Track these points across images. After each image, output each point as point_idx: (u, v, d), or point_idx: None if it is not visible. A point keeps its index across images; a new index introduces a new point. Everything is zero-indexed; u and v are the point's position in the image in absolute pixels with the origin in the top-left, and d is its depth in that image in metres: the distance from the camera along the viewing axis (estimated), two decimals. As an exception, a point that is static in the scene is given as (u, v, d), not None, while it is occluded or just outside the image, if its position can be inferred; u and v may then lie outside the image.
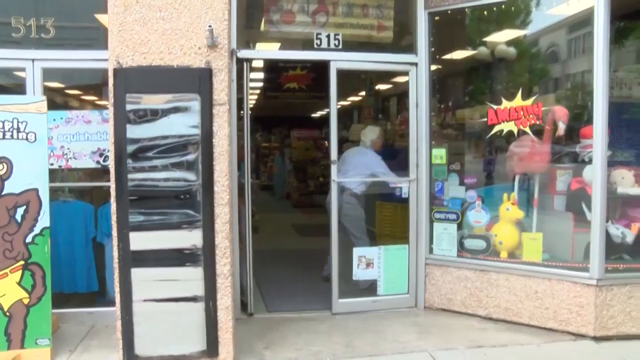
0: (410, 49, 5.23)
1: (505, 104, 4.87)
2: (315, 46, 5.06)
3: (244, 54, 4.80)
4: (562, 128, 4.71)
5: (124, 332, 3.97)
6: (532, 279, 4.72)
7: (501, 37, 5.15)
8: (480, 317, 5.01)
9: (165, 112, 3.89)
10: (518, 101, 4.82)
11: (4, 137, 4.04)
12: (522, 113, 4.80)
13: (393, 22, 5.28)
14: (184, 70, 3.93)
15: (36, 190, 4.06)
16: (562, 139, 4.82)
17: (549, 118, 4.78)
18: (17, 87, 4.95)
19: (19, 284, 4.05)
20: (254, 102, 10.91)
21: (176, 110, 3.89)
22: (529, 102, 4.77)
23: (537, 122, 4.76)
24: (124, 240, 3.90)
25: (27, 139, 4.07)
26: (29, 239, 4.06)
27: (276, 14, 5.09)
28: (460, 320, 5.02)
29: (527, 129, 4.79)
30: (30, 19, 4.81)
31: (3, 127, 4.04)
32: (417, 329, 4.81)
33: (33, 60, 4.75)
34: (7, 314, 4.04)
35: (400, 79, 5.67)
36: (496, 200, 5.07)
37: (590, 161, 4.47)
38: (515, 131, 4.86)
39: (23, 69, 4.77)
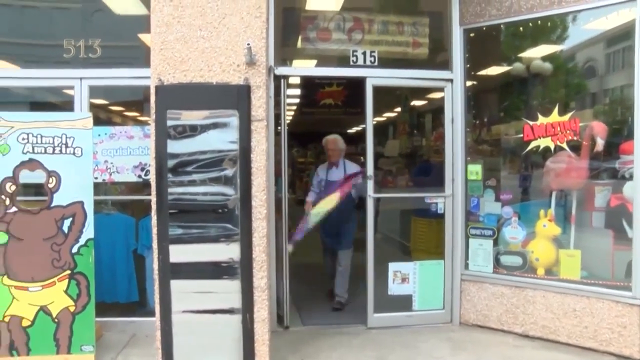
0: (446, 65, 5.19)
1: (542, 119, 4.77)
2: (351, 63, 5.07)
3: (281, 71, 4.84)
4: (600, 144, 4.58)
5: (163, 342, 4.01)
6: (570, 297, 4.57)
7: (537, 53, 5.06)
8: (516, 335, 4.87)
9: (204, 128, 3.94)
10: (555, 117, 4.71)
11: (53, 152, 4.16)
12: (559, 129, 4.69)
13: (428, 38, 5.26)
14: (223, 87, 3.98)
15: (82, 202, 4.16)
16: (600, 154, 4.68)
17: (587, 134, 4.65)
18: (65, 104, 5.10)
19: (66, 292, 4.14)
20: (290, 118, 10.98)
21: (215, 126, 3.94)
22: (566, 117, 4.66)
23: (575, 138, 4.64)
24: (163, 253, 3.95)
25: (74, 153, 4.18)
26: (74, 250, 4.15)
27: (313, 32, 5.13)
28: (496, 336, 4.89)
29: (564, 145, 4.68)
30: (80, 41, 4.97)
31: (53, 143, 4.16)
32: (451, 344, 4.72)
33: (81, 78, 4.89)
34: (56, 320, 4.13)
35: (435, 95, 5.62)
36: (532, 216, 4.95)
37: (631, 177, 4.32)
38: (552, 147, 4.75)
39: (72, 87, 4.92)
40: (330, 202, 5.23)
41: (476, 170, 5.14)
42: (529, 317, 4.81)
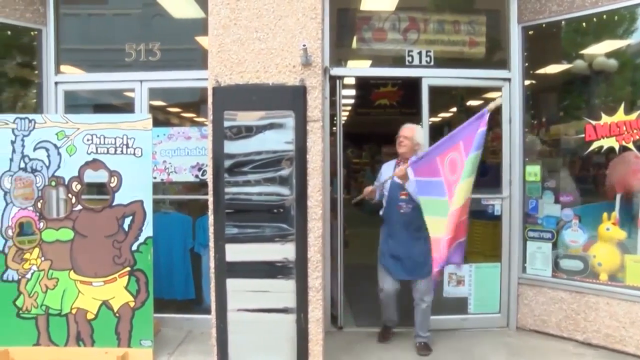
0: (503, 64, 5.00)
1: (606, 119, 4.52)
2: (406, 63, 4.95)
3: (336, 71, 4.77)
4: (671, 143, 4.31)
5: (219, 340, 4.02)
6: (638, 305, 4.30)
7: (600, 49, 4.79)
8: (577, 342, 4.63)
9: (260, 129, 3.92)
10: (620, 116, 4.45)
11: (115, 152, 4.24)
12: (624, 128, 4.43)
13: (485, 37, 5.06)
14: (279, 87, 3.95)
15: (141, 201, 4.22)
16: (671, 154, 4.41)
17: (657, 133, 4.38)
18: (126, 106, 5.20)
19: (126, 288, 4.21)
20: (345, 118, 10.89)
21: (271, 126, 3.91)
22: (633, 116, 4.38)
23: (643, 138, 4.39)
24: (220, 252, 3.95)
25: (134, 154, 4.24)
26: (134, 247, 4.21)
27: (368, 32, 5.04)
28: (555, 343, 4.67)
29: (631, 145, 4.42)
30: (141, 45, 5.06)
31: (115, 143, 4.24)
32: (507, 350, 4.53)
33: (141, 81, 4.98)
34: (117, 314, 4.21)
35: (492, 95, 5.42)
36: (595, 219, 4.69)
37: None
38: (617, 147, 4.49)
39: (133, 90, 5.01)
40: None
41: (535, 171, 4.93)
42: (591, 324, 4.56)
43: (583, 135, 4.67)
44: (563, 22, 4.86)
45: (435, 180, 3.96)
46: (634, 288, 4.38)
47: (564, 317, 4.74)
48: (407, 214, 4.37)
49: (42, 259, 4.24)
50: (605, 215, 4.60)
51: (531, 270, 4.96)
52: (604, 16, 4.58)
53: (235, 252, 3.94)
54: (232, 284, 3.97)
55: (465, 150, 3.74)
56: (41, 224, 4.25)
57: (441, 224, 3.83)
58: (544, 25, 4.90)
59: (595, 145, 4.60)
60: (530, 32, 4.98)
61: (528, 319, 4.96)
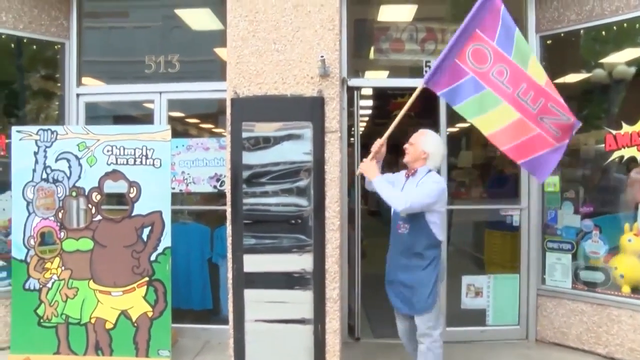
0: (522, 73, 4.93)
1: (627, 128, 4.42)
2: (424, 73, 4.87)
3: (354, 82, 4.72)
4: (694, 153, 4.20)
5: (236, 350, 3.98)
6: (662, 318, 4.19)
7: (620, 57, 4.69)
8: (598, 356, 4.49)
9: (278, 140, 3.89)
10: (641, 125, 4.37)
11: (134, 163, 4.24)
12: (646, 138, 4.34)
13: (503, 47, 5.01)
14: (297, 99, 3.92)
15: (160, 212, 4.20)
16: (694, 164, 4.30)
17: (679, 143, 4.27)
18: (145, 117, 5.21)
19: (144, 298, 4.20)
20: (363, 129, 10.86)
21: (289, 137, 3.88)
22: (655, 126, 4.31)
23: (665, 148, 4.28)
24: (238, 262, 3.92)
25: (153, 164, 4.24)
26: (153, 257, 4.20)
27: (385, 43, 5.00)
28: (575, 356, 4.54)
29: (653, 155, 4.33)
30: (160, 57, 5.07)
31: (134, 154, 4.24)
32: (527, 362, 4.44)
33: (161, 92, 4.99)
34: (135, 324, 4.20)
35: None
36: (616, 230, 4.57)
37: None
38: (638, 157, 4.39)
39: (152, 101, 5.02)
40: None
41: (554, 181, 4.84)
42: (613, 337, 4.43)
43: (603, 145, 4.57)
44: (582, 31, 4.78)
45: (463, 82, 3.50)
46: (657, 301, 4.26)
47: (584, 329, 4.62)
48: (404, 235, 3.55)
49: (63, 268, 4.24)
50: (627, 226, 4.48)
51: (550, 281, 4.85)
52: (625, 24, 4.49)
53: (253, 263, 3.91)
54: (249, 294, 3.93)
55: (489, 35, 3.45)
56: (62, 234, 4.27)
57: (496, 116, 3.46)
58: (562, 35, 4.82)
59: (616, 155, 4.50)
60: (548, 42, 4.91)
61: (547, 331, 4.85)
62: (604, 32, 4.66)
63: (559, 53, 4.93)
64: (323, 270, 3.88)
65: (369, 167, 3.58)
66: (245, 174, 3.90)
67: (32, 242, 4.25)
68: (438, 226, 3.51)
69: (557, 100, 3.42)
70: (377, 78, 5.33)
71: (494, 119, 3.46)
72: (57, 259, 4.25)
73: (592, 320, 4.57)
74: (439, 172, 3.81)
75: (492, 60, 3.43)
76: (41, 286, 4.24)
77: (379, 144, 3.70)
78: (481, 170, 6.50)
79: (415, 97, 3.58)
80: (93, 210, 4.25)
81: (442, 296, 4.78)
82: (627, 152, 4.44)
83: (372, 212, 14.86)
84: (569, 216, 4.82)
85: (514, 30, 3.46)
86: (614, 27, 4.55)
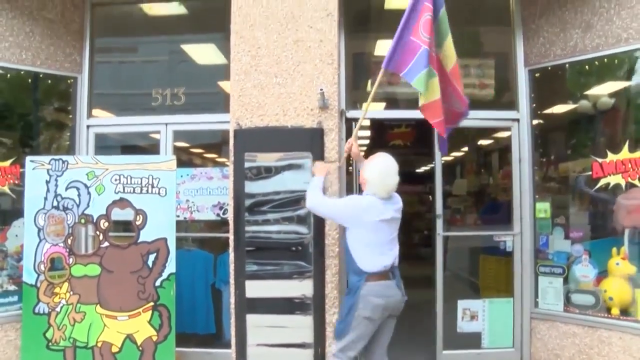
0: (512, 105, 5.06)
1: (611, 156, 4.53)
2: (419, 105, 5.03)
3: (352, 114, 4.77)
4: (675, 181, 4.31)
5: (239, 374, 4.03)
6: (651, 340, 4.24)
7: (604, 90, 4.83)
8: (591, 377, 4.56)
9: (279, 169, 4.00)
10: (625, 153, 4.46)
11: (141, 192, 4.33)
12: (630, 165, 4.44)
13: (494, 80, 5.15)
14: (297, 130, 4.05)
15: (165, 239, 4.27)
16: (676, 191, 4.40)
17: (661, 170, 4.39)
18: (152, 147, 5.30)
19: (149, 322, 4.23)
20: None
21: (290, 167, 3.99)
22: (637, 154, 4.41)
23: (648, 175, 4.39)
24: (240, 288, 3.99)
25: (159, 193, 4.32)
26: (158, 283, 4.25)
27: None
28: (569, 378, 4.60)
29: (637, 182, 4.42)
30: (167, 90, 5.20)
31: (141, 183, 4.34)
32: (522, 384, 4.47)
33: (167, 124, 5.10)
34: (140, 348, 4.22)
35: (502, 134, 5.48)
36: (604, 254, 4.63)
37: None
38: (623, 184, 4.49)
39: (158, 132, 5.13)
40: None
41: (545, 208, 4.93)
42: (604, 358, 4.45)
43: (590, 173, 4.69)
44: (567, 65, 4.92)
45: (418, 56, 3.38)
46: (646, 323, 4.31)
47: (577, 351, 4.65)
48: None
49: (71, 293, 4.30)
50: (614, 250, 4.56)
51: (543, 304, 4.90)
52: (605, 60, 4.65)
53: (255, 289, 3.98)
54: (251, 319, 3.99)
55: (432, 4, 3.37)
56: (71, 260, 4.33)
57: (433, 87, 3.44)
58: (549, 68, 4.97)
59: (602, 182, 4.59)
60: (536, 75, 5.05)
61: (541, 354, 4.87)
62: (587, 66, 4.82)
63: (547, 85, 5.07)
64: (323, 295, 3.95)
65: (320, 167, 3.84)
66: (248, 202, 4.00)
67: (42, 267, 4.32)
68: (359, 253, 3.43)
69: (456, 88, 3.47)
70: (374, 110, 5.44)
71: (430, 91, 3.44)
72: (66, 284, 4.31)
73: (584, 342, 4.61)
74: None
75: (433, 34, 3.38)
76: (50, 310, 4.29)
77: (348, 146, 3.83)
78: (475, 197, 6.61)
79: (378, 82, 3.64)
80: (101, 237, 4.33)
81: (439, 320, 4.86)
82: (612, 180, 4.54)
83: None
84: (559, 241, 4.89)
85: (441, 8, 3.41)
86: (596, 62, 4.71)
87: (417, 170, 13.73)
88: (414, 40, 3.37)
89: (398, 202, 3.61)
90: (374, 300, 3.37)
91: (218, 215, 4.98)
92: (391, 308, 3.48)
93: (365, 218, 3.39)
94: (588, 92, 4.99)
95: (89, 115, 5.28)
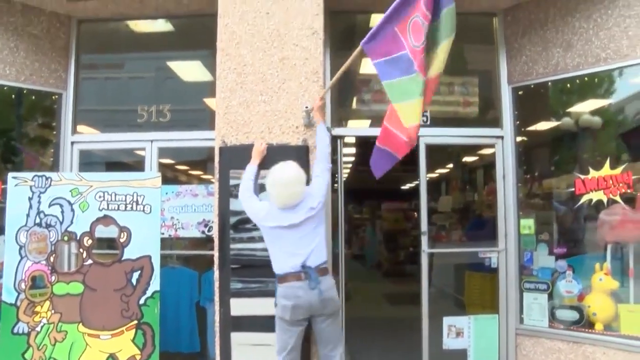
0: (496, 122, 5.14)
1: (593, 173, 4.60)
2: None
3: (337, 131, 4.85)
4: (655, 196, 4.39)
5: (223, 393, 3.98)
6: (634, 355, 4.23)
7: (585, 107, 4.93)
8: (576, 393, 4.57)
9: (264, 187, 4.00)
10: (606, 170, 4.54)
11: (125, 209, 4.30)
12: (611, 182, 4.52)
13: (478, 97, 5.25)
14: (282, 147, 4.05)
15: (149, 256, 4.23)
16: (656, 206, 4.47)
17: (641, 186, 4.47)
18: (137, 164, 5.30)
19: (133, 341, 4.16)
20: (346, 175, 11.02)
21: (275, 185, 3.99)
22: (618, 170, 4.48)
23: (628, 191, 4.44)
24: (225, 306, 3.96)
25: (143, 210, 4.29)
26: (142, 301, 4.19)
27: (367, 94, 5.20)
28: (554, 394, 4.60)
29: (618, 198, 4.50)
30: (152, 106, 5.21)
31: (125, 200, 4.31)
32: (508, 401, 4.47)
33: (152, 141, 5.10)
34: (123, 367, 4.18)
35: (486, 151, 5.56)
36: (588, 270, 4.68)
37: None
38: (605, 200, 4.56)
39: (143, 149, 5.12)
40: None
41: (529, 224, 4.98)
42: (589, 374, 4.51)
43: (573, 189, 4.75)
44: (549, 83, 5.02)
45: (398, 56, 2.99)
46: (629, 337, 4.33)
47: (562, 367, 4.69)
48: None
49: (52, 311, 4.23)
50: (597, 265, 4.60)
51: (528, 321, 4.92)
52: (586, 78, 4.76)
53: (240, 307, 3.96)
54: (236, 337, 3.96)
55: (427, 6, 2.80)
56: (53, 278, 4.27)
57: (414, 107, 2.94)
58: (532, 86, 5.06)
59: (585, 198, 4.66)
60: (520, 92, 5.14)
61: (527, 370, 4.90)
62: (569, 85, 4.92)
63: (530, 103, 5.16)
64: (308, 312, 3.92)
65: (254, 151, 4.00)
66: (233, 220, 3.99)
67: (23, 285, 4.25)
68: (271, 257, 3.65)
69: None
70: (359, 127, 5.50)
71: (416, 110, 2.95)
72: (47, 303, 4.24)
73: (568, 357, 4.63)
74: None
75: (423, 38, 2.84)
76: (30, 330, 4.21)
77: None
78: (460, 214, 6.69)
79: (353, 58, 3.56)
80: (84, 255, 4.28)
81: (424, 337, 4.85)
82: (595, 196, 4.61)
83: (355, 256, 15.00)
84: (544, 257, 4.93)
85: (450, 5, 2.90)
86: (577, 80, 4.81)
87: (403, 187, 13.86)
88: (399, 36, 3.01)
89: (305, 207, 3.59)
90: (282, 302, 3.49)
91: (203, 232, 4.96)
92: (306, 309, 3.50)
93: (265, 224, 3.62)
94: (570, 110, 5.08)
95: (74, 131, 5.26)
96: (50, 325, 4.21)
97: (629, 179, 4.43)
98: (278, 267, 3.58)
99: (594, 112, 4.90)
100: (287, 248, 3.54)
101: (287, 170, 3.57)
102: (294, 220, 3.53)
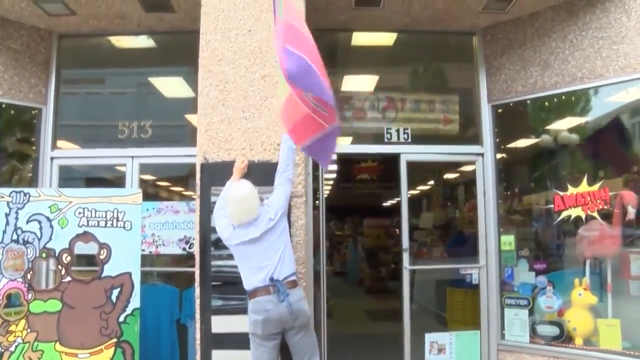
0: (476, 140, 5.25)
1: (572, 190, 4.72)
2: (385, 140, 5.16)
3: (318, 148, 4.94)
4: (631, 212, 4.46)
5: (203, 412, 3.95)
6: (613, 369, 4.35)
7: (563, 125, 5.07)
8: (557, 408, 4.62)
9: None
10: (584, 187, 4.66)
11: (105, 225, 4.28)
12: (589, 198, 4.63)
13: (458, 115, 5.36)
14: (264, 164, 4.07)
15: (130, 273, 4.21)
16: (632, 222, 4.58)
17: (617, 202, 4.55)
18: (117, 180, 5.29)
19: (112, 359, 4.17)
20: (328, 192, 11.05)
21: (256, 201, 4.01)
22: (595, 187, 4.61)
23: (606, 207, 4.56)
24: (206, 323, 3.95)
25: (124, 227, 4.28)
26: (121, 318, 4.16)
27: (349, 111, 5.27)
28: (536, 410, 4.65)
29: (595, 214, 4.61)
30: (133, 122, 5.23)
31: (105, 217, 4.30)
32: (491, 418, 4.50)
33: (133, 157, 5.11)
34: (103, 387, 4.12)
35: (467, 168, 5.66)
36: (567, 285, 4.77)
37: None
38: (583, 216, 4.67)
39: (124, 165, 5.12)
40: None
41: (509, 240, 5.07)
42: (569, 389, 4.57)
43: (552, 206, 4.86)
44: (528, 101, 5.15)
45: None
46: (608, 352, 4.42)
47: (543, 382, 4.74)
48: None
49: (28, 330, 4.16)
50: (576, 281, 4.69)
51: (510, 336, 4.98)
52: (563, 97, 4.90)
53: (221, 324, 3.94)
54: (217, 355, 3.94)
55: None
56: (29, 295, 4.21)
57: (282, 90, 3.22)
58: (511, 104, 5.20)
59: (564, 214, 4.77)
60: (499, 110, 5.27)
61: (509, 385, 4.95)
62: (547, 103, 5.05)
63: (510, 121, 5.28)
64: (289, 329, 3.93)
65: (236, 168, 4.01)
66: (214, 236, 3.98)
67: (-3, 304, 4.21)
68: (240, 273, 3.67)
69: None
70: (341, 144, 5.56)
71: (282, 94, 3.16)
72: (23, 321, 4.17)
73: (549, 373, 4.71)
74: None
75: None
76: (3, 350, 4.13)
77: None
78: (441, 230, 6.76)
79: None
80: (63, 272, 4.23)
81: (407, 353, 4.88)
82: (573, 212, 4.72)
83: (337, 273, 15.00)
84: (524, 273, 5.02)
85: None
86: (555, 99, 4.96)
87: (384, 204, 13.93)
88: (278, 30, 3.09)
89: (264, 219, 3.63)
90: (253, 317, 3.53)
91: (184, 249, 4.95)
92: (277, 322, 3.51)
93: (230, 243, 3.66)
94: (549, 127, 5.21)
95: (54, 146, 5.25)
96: (26, 344, 4.15)
97: (606, 195, 4.55)
98: (247, 283, 3.62)
99: (571, 130, 5.03)
100: (253, 263, 3.58)
101: (239, 188, 3.67)
102: (254, 234, 3.58)
